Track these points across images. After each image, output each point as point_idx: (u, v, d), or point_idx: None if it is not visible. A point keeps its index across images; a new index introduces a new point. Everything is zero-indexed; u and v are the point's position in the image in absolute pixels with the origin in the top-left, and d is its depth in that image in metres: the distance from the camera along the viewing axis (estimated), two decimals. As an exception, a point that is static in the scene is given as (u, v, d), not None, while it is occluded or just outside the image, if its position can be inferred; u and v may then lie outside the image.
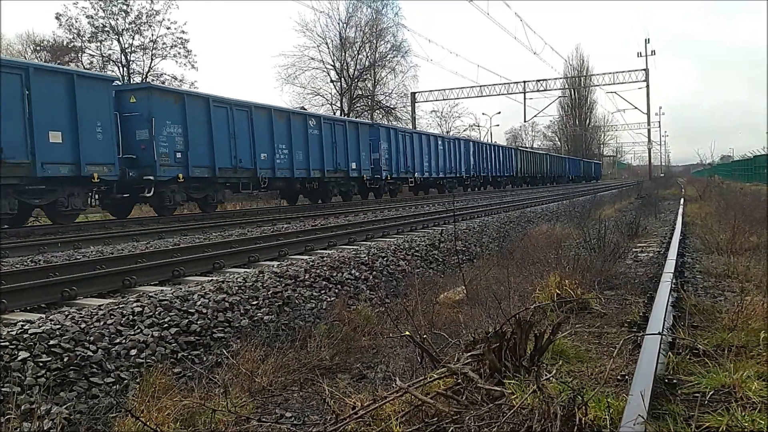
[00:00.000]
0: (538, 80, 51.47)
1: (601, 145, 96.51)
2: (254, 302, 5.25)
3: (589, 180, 67.66)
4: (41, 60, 32.39)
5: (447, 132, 52.57)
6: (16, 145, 11.28)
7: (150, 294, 5.02)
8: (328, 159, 21.05)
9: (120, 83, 14.33)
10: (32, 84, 11.62)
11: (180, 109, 15.18)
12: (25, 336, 3.76)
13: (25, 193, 11.90)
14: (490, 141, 50.56)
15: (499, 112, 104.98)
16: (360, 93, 44.83)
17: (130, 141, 14.21)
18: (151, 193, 14.51)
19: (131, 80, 31.53)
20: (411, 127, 44.46)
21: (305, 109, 26.06)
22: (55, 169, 12.14)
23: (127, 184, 14.10)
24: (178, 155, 15.05)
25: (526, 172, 46.92)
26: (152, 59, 33.95)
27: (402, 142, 26.59)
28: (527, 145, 74.74)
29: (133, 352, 4.01)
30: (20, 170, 11.51)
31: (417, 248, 8.52)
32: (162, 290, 5.39)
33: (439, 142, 30.91)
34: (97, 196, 13.90)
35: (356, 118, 37.70)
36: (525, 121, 58.74)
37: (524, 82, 51.50)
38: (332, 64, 43.05)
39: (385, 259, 7.59)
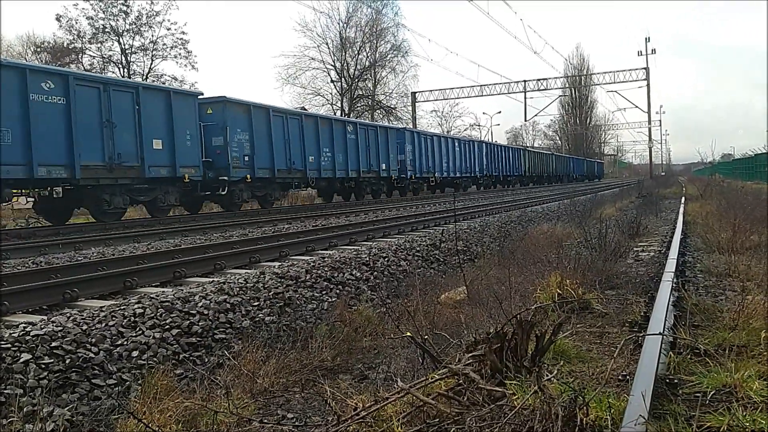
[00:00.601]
0: (539, 79, 51.54)
1: (602, 144, 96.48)
2: (255, 303, 5.26)
3: (592, 179, 69.13)
4: (41, 61, 32.44)
5: (447, 132, 52.61)
6: (129, 151, 13.70)
7: (151, 295, 5.03)
8: (363, 161, 23.47)
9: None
10: (141, 100, 14.02)
11: (247, 119, 17.47)
12: (27, 338, 3.76)
13: (134, 191, 14.40)
14: (492, 141, 50.64)
15: (500, 112, 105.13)
16: (360, 93, 44.82)
17: (208, 147, 16.38)
18: (225, 191, 16.77)
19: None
20: (411, 126, 44.53)
21: (306, 109, 26.61)
22: (157, 171, 14.49)
23: (206, 183, 16.31)
24: (246, 159, 17.33)
25: (533, 171, 48.60)
26: (152, 60, 34.00)
27: (424, 145, 28.89)
28: (528, 144, 74.77)
29: (135, 353, 4.02)
30: (132, 172, 13.90)
31: (418, 248, 8.52)
32: (163, 291, 5.40)
33: (457, 144, 33.15)
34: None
35: (356, 118, 37.75)
36: (525, 121, 58.85)
37: (525, 81, 51.53)
38: (332, 64, 43.08)
39: (386, 259, 7.59)
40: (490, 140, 52.27)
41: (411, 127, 37.49)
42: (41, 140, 11.72)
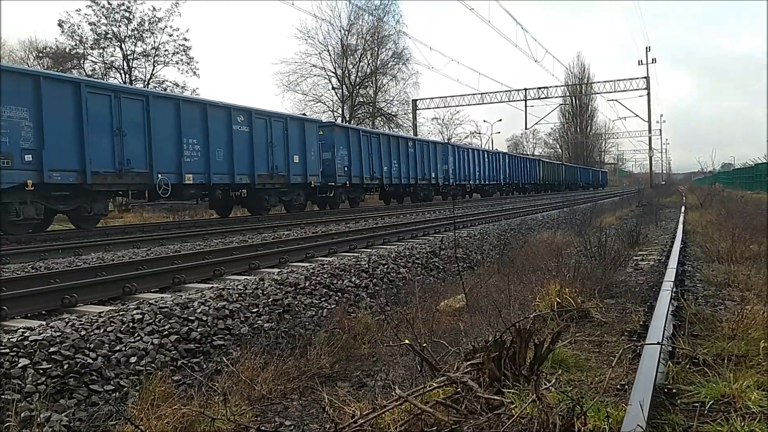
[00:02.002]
0: (539, 88, 51.68)
1: (603, 153, 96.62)
2: (254, 310, 5.25)
3: (597, 187, 72.39)
4: (43, 66, 32.53)
5: (448, 139, 52.81)
6: (281, 164, 18.98)
7: (150, 301, 5.03)
8: (420, 170, 28.68)
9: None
10: (288, 126, 19.42)
11: (346, 138, 23.13)
12: (26, 343, 3.76)
13: (281, 193, 19.67)
14: (491, 149, 51.01)
15: (500, 120, 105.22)
16: (361, 100, 44.93)
17: (321, 160, 21.65)
18: (333, 194, 22.09)
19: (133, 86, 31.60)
20: (413, 134, 44.73)
21: (306, 115, 27.17)
22: (296, 179, 19.71)
23: (322, 188, 21.44)
24: (345, 169, 22.80)
25: (546, 179, 52.51)
26: (154, 66, 34.08)
27: (462, 157, 34.21)
28: (528, 153, 75.07)
29: (133, 359, 4.01)
30: (282, 179, 19.19)
31: (418, 255, 8.52)
32: (162, 297, 5.39)
33: (486, 156, 38.93)
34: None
35: (357, 125, 37.91)
36: (526, 129, 58.95)
37: (525, 89, 51.69)
38: (334, 71, 43.23)
39: (386, 266, 7.59)
40: (491, 148, 52.63)
41: (458, 143, 41.29)
42: (237, 157, 17.08)
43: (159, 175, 14.48)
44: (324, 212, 20.83)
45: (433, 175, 30.14)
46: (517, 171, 44.63)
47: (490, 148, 52.62)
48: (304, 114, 30.96)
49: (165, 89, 33.04)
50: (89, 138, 12.90)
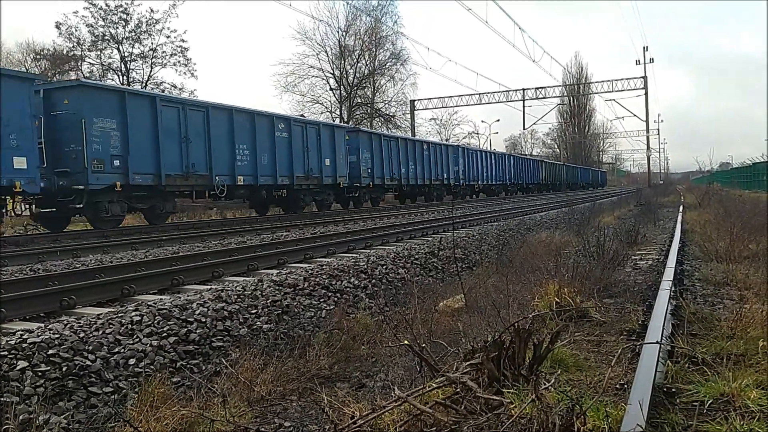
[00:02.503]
0: (537, 88, 51.77)
1: (601, 153, 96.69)
2: (253, 311, 5.25)
3: (596, 187, 74.16)
4: (40, 68, 32.51)
5: (446, 140, 52.86)
6: (315, 167, 20.90)
7: (149, 303, 5.02)
8: (434, 172, 31.10)
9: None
10: (320, 132, 21.44)
11: (369, 142, 25.30)
12: (24, 345, 3.75)
13: (314, 193, 21.72)
14: (490, 149, 51.14)
15: (498, 120, 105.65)
16: (359, 101, 44.95)
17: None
18: (358, 194, 24.79)
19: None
20: (411, 134, 44.79)
21: (304, 116, 27.48)
22: (327, 180, 21.74)
23: (349, 188, 23.57)
24: (369, 171, 24.86)
25: (549, 179, 54.78)
26: (152, 68, 34.05)
27: (472, 159, 36.78)
28: (526, 153, 75.23)
29: (132, 361, 4.00)
30: (316, 180, 21.14)
31: (416, 256, 8.52)
32: (161, 299, 5.39)
33: (493, 158, 41.39)
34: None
35: (355, 125, 37.95)
36: (524, 129, 58.98)
37: (523, 89, 51.78)
38: (331, 72, 43.22)
39: (385, 267, 7.58)
40: (489, 148, 52.78)
41: (468, 146, 43.52)
42: (279, 161, 18.78)
43: (216, 177, 16.33)
44: (348, 211, 23.26)
45: (445, 176, 32.42)
46: (521, 172, 46.75)
47: (489, 148, 52.81)
48: (302, 115, 31.10)
49: (162, 91, 33.01)
50: (163, 145, 14.70)
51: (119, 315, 4.57)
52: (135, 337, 4.28)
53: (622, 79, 50.82)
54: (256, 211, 21.55)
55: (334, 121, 39.18)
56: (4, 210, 12.23)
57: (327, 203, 22.59)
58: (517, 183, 45.41)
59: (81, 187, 12.87)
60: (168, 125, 14.89)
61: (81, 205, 13.18)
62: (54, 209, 13.08)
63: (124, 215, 14.73)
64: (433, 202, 30.53)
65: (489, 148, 52.47)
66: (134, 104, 14.13)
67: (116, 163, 13.58)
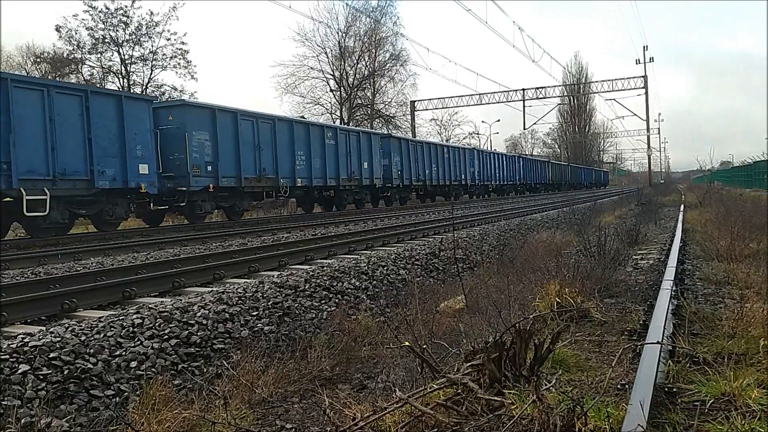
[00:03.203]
0: (537, 88, 51.78)
1: (601, 153, 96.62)
2: (254, 313, 5.25)
3: (599, 186, 75.78)
4: (40, 72, 32.52)
5: (447, 140, 52.90)
6: (355, 170, 23.46)
7: (150, 305, 5.03)
8: (454, 173, 33.69)
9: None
10: (361, 140, 24.04)
11: (399, 147, 27.68)
12: (26, 349, 3.76)
13: (354, 193, 24.22)
14: (492, 150, 51.36)
15: (499, 120, 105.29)
16: (359, 102, 44.92)
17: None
18: (389, 193, 27.19)
19: (131, 90, 31.60)
20: (411, 135, 44.85)
21: (304, 118, 27.70)
22: (365, 181, 24.19)
23: (382, 188, 26.17)
24: (399, 173, 27.37)
25: (554, 179, 56.87)
26: (152, 70, 34.04)
27: (485, 160, 39.39)
28: (527, 153, 75.39)
29: (133, 364, 4.01)
30: (356, 181, 23.59)
31: (417, 257, 8.52)
32: (162, 301, 5.39)
33: (504, 159, 44.06)
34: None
35: (357, 126, 38.07)
36: (524, 129, 59.01)
37: (523, 89, 51.79)
38: (332, 73, 43.20)
39: (386, 268, 7.59)
40: (490, 148, 52.97)
41: (485, 149, 47.01)
42: (328, 165, 21.48)
43: (281, 180, 18.96)
44: (378, 209, 25.37)
45: (463, 177, 34.87)
46: (530, 172, 49.16)
47: (489, 149, 53.01)
48: (302, 117, 31.24)
49: (163, 93, 33.05)
50: (242, 153, 17.26)
51: (120, 318, 4.58)
52: (136, 339, 4.28)
53: (622, 79, 50.84)
54: (303, 209, 23.68)
55: (334, 122, 39.29)
56: (131, 206, 14.82)
57: (364, 202, 25.44)
58: (526, 183, 47.68)
59: (183, 188, 15.43)
60: (245, 136, 17.53)
61: (183, 204, 15.66)
62: (166, 207, 15.84)
63: (212, 212, 17.94)
64: (451, 200, 32.05)
65: (490, 149, 52.61)
66: (222, 119, 16.68)
67: (209, 168, 16.18)
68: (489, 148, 54.36)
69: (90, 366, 3.79)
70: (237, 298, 5.38)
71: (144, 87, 33.39)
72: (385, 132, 33.14)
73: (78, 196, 12.98)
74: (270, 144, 18.55)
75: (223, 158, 16.48)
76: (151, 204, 15.04)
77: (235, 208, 17.91)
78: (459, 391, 2.76)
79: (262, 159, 18.15)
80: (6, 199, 11.45)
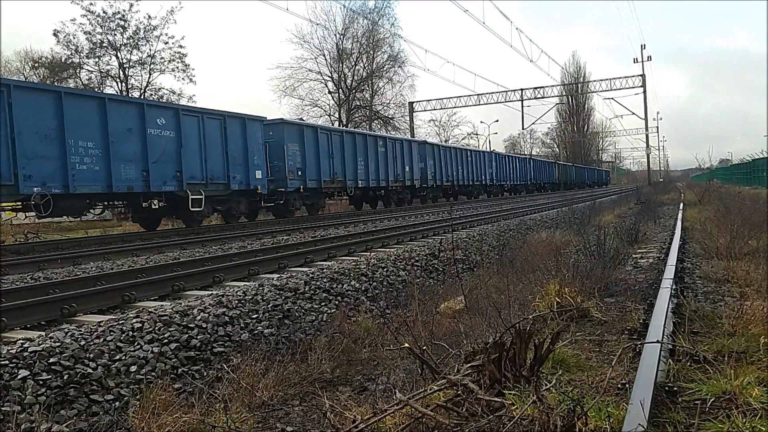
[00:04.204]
0: (536, 88, 51.84)
1: (600, 152, 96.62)
2: (254, 316, 5.25)
3: (601, 185, 78.68)
4: (39, 76, 32.54)
5: (446, 141, 52.96)
6: (400, 172, 27.22)
7: (150, 309, 5.02)
8: (475, 174, 37.16)
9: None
10: (404, 147, 27.83)
11: (432, 152, 31.48)
12: (25, 354, 3.75)
13: (398, 192, 27.66)
14: (489, 150, 51.63)
15: (497, 120, 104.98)
16: (358, 103, 44.92)
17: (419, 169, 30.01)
18: (425, 193, 30.73)
19: (129, 94, 31.62)
20: (410, 136, 44.89)
21: (303, 120, 27.97)
22: (407, 182, 27.83)
23: (419, 188, 29.71)
24: (433, 174, 31.13)
25: (560, 179, 60.17)
26: (150, 74, 34.04)
27: (500, 162, 42.84)
28: (525, 153, 75.58)
29: (133, 368, 4.00)
30: (400, 183, 27.10)
31: (417, 258, 8.52)
32: (162, 305, 5.39)
33: (517, 161, 47.73)
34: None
35: (355, 128, 38.14)
36: (523, 129, 59.01)
37: (521, 89, 51.87)
38: (330, 75, 43.20)
39: (385, 269, 7.58)
40: (488, 148, 53.07)
41: (497, 151, 49.30)
42: (381, 169, 25.44)
43: (348, 181, 23.02)
44: (411, 206, 27.94)
45: (482, 178, 38.60)
46: (539, 172, 52.89)
47: (488, 149, 53.21)
48: (301, 119, 31.38)
49: (161, 97, 33.05)
50: (321, 160, 21.31)
51: (120, 322, 4.57)
52: (136, 344, 4.27)
53: (620, 78, 50.91)
54: (354, 207, 26.92)
55: (333, 124, 39.36)
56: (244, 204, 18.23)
57: (405, 200, 28.50)
58: (536, 182, 51.38)
59: (282, 189, 19.35)
60: (323, 146, 21.56)
61: (282, 202, 19.51)
62: (272, 204, 19.52)
63: (300, 209, 21.38)
64: (472, 199, 36.21)
65: (489, 149, 52.77)
66: (307, 133, 20.90)
67: (299, 173, 20.17)
68: (488, 149, 54.56)
69: (90, 371, 3.78)
70: (237, 301, 5.37)
71: (142, 91, 33.40)
72: (421, 139, 36.60)
73: (218, 196, 16.79)
74: (340, 152, 22.61)
75: (308, 165, 20.61)
76: (261, 202, 18.88)
77: (314, 205, 22.12)
78: (459, 392, 2.76)
79: (335, 165, 22.23)
80: (153, 202, 15.15)
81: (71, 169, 12.51)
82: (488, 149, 51.23)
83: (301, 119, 30.53)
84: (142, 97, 31.66)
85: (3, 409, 3.28)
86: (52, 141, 12.24)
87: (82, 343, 4.06)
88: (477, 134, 64.68)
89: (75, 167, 12.62)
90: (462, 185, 35.27)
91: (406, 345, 3.22)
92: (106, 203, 15.02)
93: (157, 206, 15.17)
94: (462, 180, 34.97)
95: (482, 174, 38.44)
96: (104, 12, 31.60)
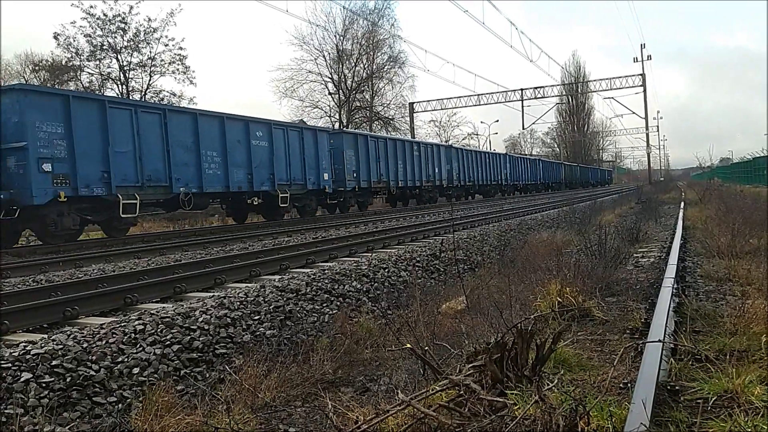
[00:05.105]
0: (536, 87, 51.84)
1: (600, 151, 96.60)
2: (256, 317, 5.25)
3: (604, 184, 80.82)
4: (40, 79, 32.56)
5: (446, 141, 52.97)
6: (431, 174, 30.42)
7: (152, 311, 5.03)
8: (491, 175, 39.89)
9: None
10: (433, 150, 31.38)
11: (457, 155, 34.87)
12: (28, 357, 3.76)
13: (429, 191, 30.27)
14: (490, 150, 51.85)
15: (497, 120, 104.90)
16: (358, 105, 44.90)
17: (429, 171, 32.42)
18: (451, 192, 33.52)
19: (130, 97, 31.64)
20: (410, 137, 44.93)
21: (305, 122, 28.10)
22: (437, 182, 31.34)
23: (447, 188, 33.13)
24: (457, 175, 34.44)
25: (567, 179, 63.10)
26: (151, 76, 34.02)
27: (514, 163, 45.93)
28: (526, 153, 75.73)
29: (136, 370, 4.01)
30: (430, 183, 30.16)
31: (418, 258, 8.52)
32: (164, 307, 5.39)
33: (528, 162, 50.85)
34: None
35: (355, 129, 38.23)
36: (523, 129, 59.05)
37: (521, 89, 51.86)
38: (330, 76, 43.19)
39: (387, 270, 7.58)
40: (489, 149, 53.22)
41: (511, 153, 54.18)
42: (417, 170, 28.77)
43: (391, 182, 26.54)
44: (435, 204, 30.30)
45: (499, 178, 41.65)
46: (548, 173, 56.04)
47: (489, 149, 53.43)
48: (302, 121, 31.42)
49: (161, 99, 33.06)
50: (370, 164, 24.78)
51: (122, 324, 4.58)
52: (138, 346, 4.28)
53: (620, 77, 50.95)
54: (390, 204, 29.70)
55: (333, 125, 39.41)
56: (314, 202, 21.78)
57: (434, 199, 31.20)
58: (544, 182, 54.05)
59: (342, 189, 22.72)
60: (371, 152, 25.11)
61: (342, 200, 23.13)
62: (336, 201, 22.96)
63: (354, 206, 24.83)
64: (489, 197, 38.89)
65: (489, 149, 52.93)
66: (360, 140, 24.72)
67: (354, 175, 23.68)
68: (489, 149, 54.74)
69: (92, 373, 3.79)
70: (239, 303, 5.37)
71: (143, 93, 33.40)
72: (448, 143, 39.90)
73: (297, 194, 20.09)
74: (384, 157, 26.06)
75: (362, 168, 24.22)
76: (328, 199, 22.31)
77: (365, 203, 25.76)
78: (461, 392, 2.76)
79: (381, 167, 25.74)
80: (254, 200, 18.15)
81: (203, 173, 15.92)
82: (489, 149, 51.44)
83: (302, 121, 30.56)
84: (142, 99, 31.69)
85: (6, 411, 3.29)
86: (191, 152, 15.65)
87: (85, 345, 4.06)
88: (477, 134, 64.76)
89: (205, 172, 16.01)
90: (481, 185, 38.58)
91: (408, 345, 3.22)
92: (221, 200, 18.52)
93: (256, 203, 18.30)
94: (482, 180, 38.28)
95: (498, 175, 41.59)
96: (104, 15, 31.59)
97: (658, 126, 78.66)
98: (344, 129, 25.12)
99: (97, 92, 29.84)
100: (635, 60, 54.54)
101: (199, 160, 15.77)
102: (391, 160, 26.51)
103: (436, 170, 31.03)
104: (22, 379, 3.54)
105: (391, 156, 26.59)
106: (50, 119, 12.24)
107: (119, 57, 32.84)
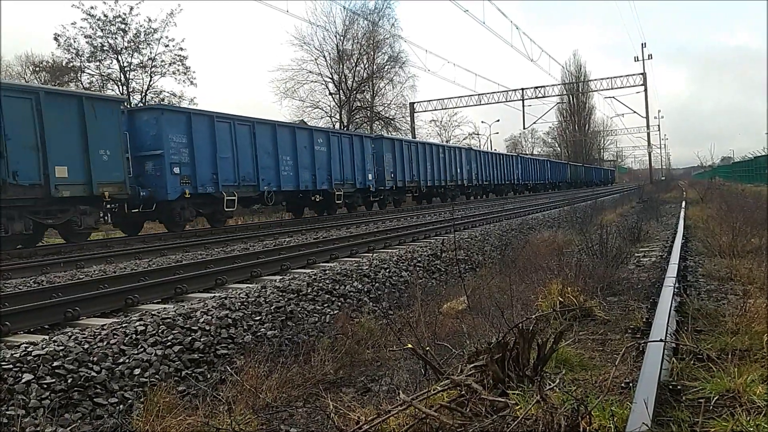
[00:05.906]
0: (536, 87, 51.74)
1: (601, 150, 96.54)
2: (257, 318, 5.25)
3: (607, 183, 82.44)
4: (40, 80, 32.57)
5: (447, 141, 53.00)
6: (454, 174, 33.31)
7: (153, 312, 5.03)
8: (502, 175, 42.11)
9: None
10: (457, 153, 34.69)
11: (476, 157, 37.60)
12: (29, 358, 3.76)
13: (452, 190, 33.06)
14: (490, 150, 52.10)
15: (498, 120, 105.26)
16: (359, 105, 44.89)
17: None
18: (472, 191, 36.53)
19: (131, 98, 31.67)
20: (411, 137, 44.96)
21: (306, 123, 28.27)
22: (459, 181, 34.40)
23: (468, 186, 35.94)
24: (476, 175, 36.89)
25: (571, 178, 65.31)
26: (151, 77, 33.99)
27: (524, 163, 48.61)
28: (527, 152, 75.84)
29: (137, 371, 4.01)
30: (453, 182, 33.08)
31: (419, 258, 8.51)
32: (165, 308, 5.39)
33: (537, 162, 53.64)
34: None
35: (355, 130, 38.24)
36: (524, 128, 59.01)
37: (522, 89, 51.78)
38: (330, 76, 43.19)
39: (388, 270, 7.58)
40: (490, 149, 53.51)
41: (523, 154, 56.70)
42: (441, 170, 31.65)
43: (421, 182, 29.29)
44: (455, 202, 31.58)
45: (511, 178, 44.34)
46: (554, 173, 58.55)
47: (489, 149, 53.59)
48: (303, 121, 31.51)
49: (162, 100, 33.06)
50: (405, 165, 27.51)
51: (123, 325, 4.58)
52: (139, 347, 4.28)
53: (621, 77, 50.85)
54: (417, 202, 31.49)
55: (333, 126, 39.44)
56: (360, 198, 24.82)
57: (456, 196, 33.64)
58: (551, 181, 56.66)
59: (382, 188, 25.74)
60: (405, 153, 27.65)
61: (381, 198, 26.24)
62: (377, 199, 26.24)
63: (391, 203, 27.42)
64: (502, 196, 40.98)
65: (490, 149, 53.06)
66: (396, 144, 27.50)
67: (392, 176, 26.56)
68: (489, 149, 54.84)
69: (94, 374, 3.79)
70: (240, 303, 5.37)
71: (143, 94, 33.42)
72: (467, 145, 42.64)
73: (348, 192, 23.03)
74: (416, 159, 28.93)
75: (398, 169, 27.08)
76: (371, 197, 25.60)
77: (399, 200, 28.50)
78: (463, 392, 2.76)
79: (413, 168, 28.43)
80: (317, 197, 21.66)
81: (281, 175, 18.92)
82: (489, 149, 51.52)
83: (302, 121, 30.63)
84: (143, 99, 31.75)
85: (7, 412, 3.29)
86: (271, 156, 18.63)
87: (86, 346, 4.06)
88: (478, 134, 64.79)
89: (282, 173, 19.00)
90: (496, 184, 41.18)
91: (410, 346, 3.22)
92: (292, 196, 20.82)
93: (318, 199, 21.73)
94: (496, 180, 40.91)
95: (511, 175, 44.46)
96: (105, 15, 31.62)
97: (659, 125, 78.76)
98: (383, 135, 27.62)
99: (99, 92, 29.80)
100: (636, 59, 54.42)
101: (278, 163, 18.83)
102: (421, 162, 29.33)
103: (458, 171, 33.76)
104: (23, 381, 3.55)
105: (421, 158, 29.44)
106: (178, 132, 15.31)
107: (120, 58, 32.85)
